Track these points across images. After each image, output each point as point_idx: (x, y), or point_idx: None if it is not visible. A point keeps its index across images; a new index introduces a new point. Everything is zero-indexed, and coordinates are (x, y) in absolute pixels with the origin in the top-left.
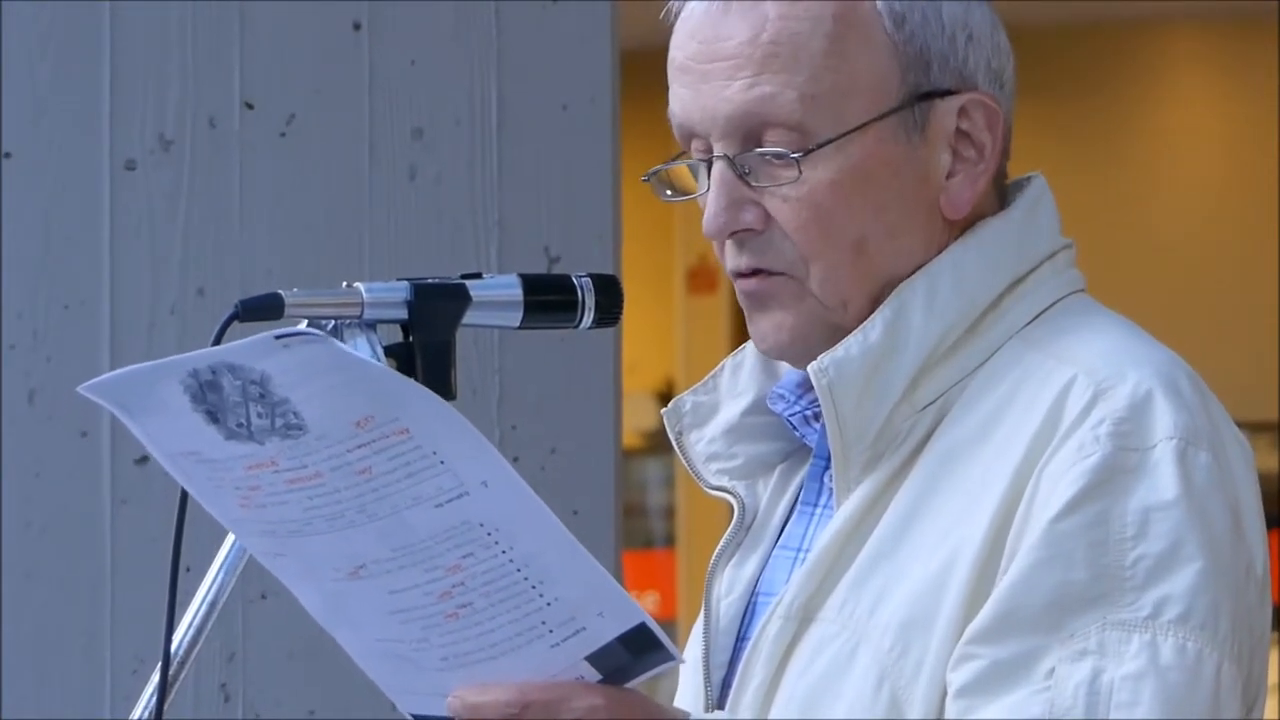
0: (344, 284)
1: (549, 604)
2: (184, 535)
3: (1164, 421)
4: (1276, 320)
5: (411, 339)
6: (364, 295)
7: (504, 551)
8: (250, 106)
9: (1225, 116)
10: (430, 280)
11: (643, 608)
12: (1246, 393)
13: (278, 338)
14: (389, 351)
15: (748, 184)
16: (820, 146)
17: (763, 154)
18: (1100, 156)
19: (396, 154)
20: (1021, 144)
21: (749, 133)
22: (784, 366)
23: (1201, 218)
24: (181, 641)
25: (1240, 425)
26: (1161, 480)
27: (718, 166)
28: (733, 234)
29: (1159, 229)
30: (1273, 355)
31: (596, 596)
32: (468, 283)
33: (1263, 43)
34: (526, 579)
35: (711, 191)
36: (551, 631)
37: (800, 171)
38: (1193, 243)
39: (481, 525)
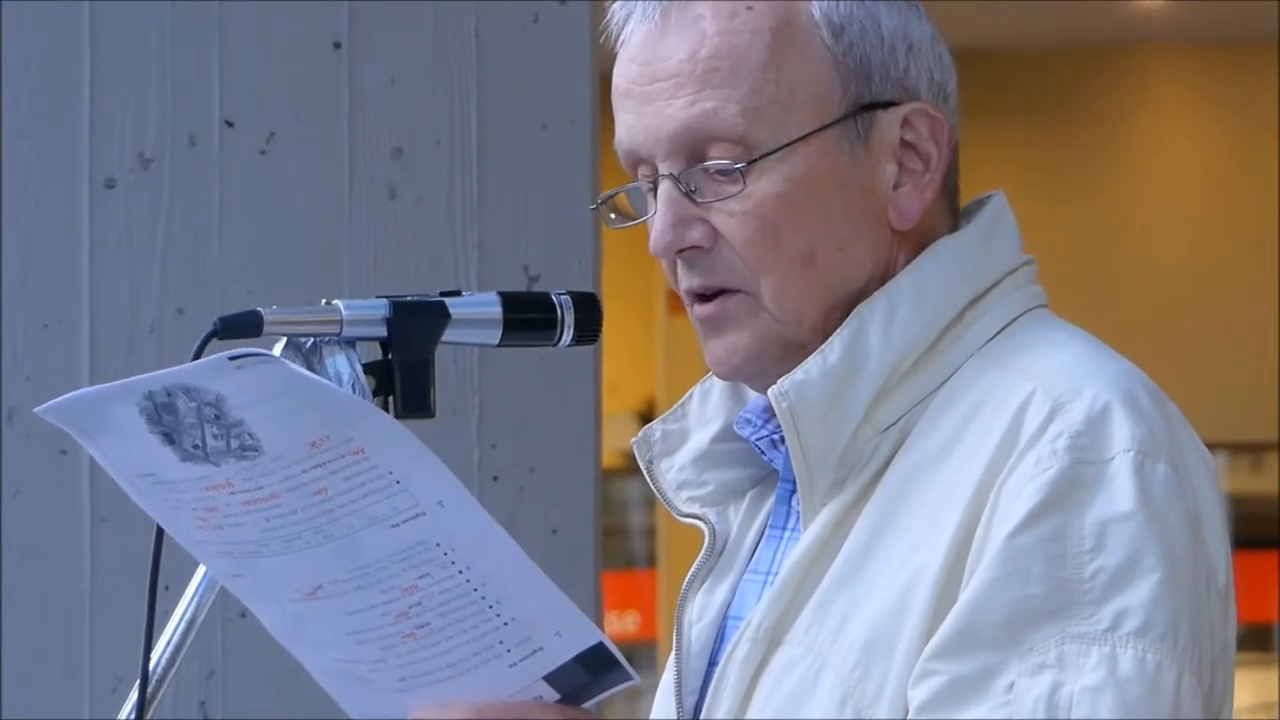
0: (323, 301)
1: (506, 624)
2: (163, 554)
3: (1121, 434)
4: (1275, 341)
5: (390, 357)
6: (343, 313)
7: (460, 571)
8: (230, 125)
9: (1208, 138)
10: (409, 298)
11: (603, 629)
12: (1240, 414)
13: (231, 359)
14: (368, 369)
15: (694, 201)
16: (764, 157)
17: (706, 169)
18: (1084, 179)
19: (376, 173)
20: (1004, 167)
21: (693, 150)
22: (751, 392)
23: (1181, 239)
24: (160, 659)
25: (1216, 445)
26: (1119, 492)
27: (664, 185)
28: (680, 252)
29: (1138, 251)
30: (1271, 376)
31: (553, 616)
32: (447, 300)
33: (1244, 65)
34: (484, 599)
35: (658, 210)
36: (509, 651)
37: (745, 184)
38: (1172, 265)
39: (438, 545)
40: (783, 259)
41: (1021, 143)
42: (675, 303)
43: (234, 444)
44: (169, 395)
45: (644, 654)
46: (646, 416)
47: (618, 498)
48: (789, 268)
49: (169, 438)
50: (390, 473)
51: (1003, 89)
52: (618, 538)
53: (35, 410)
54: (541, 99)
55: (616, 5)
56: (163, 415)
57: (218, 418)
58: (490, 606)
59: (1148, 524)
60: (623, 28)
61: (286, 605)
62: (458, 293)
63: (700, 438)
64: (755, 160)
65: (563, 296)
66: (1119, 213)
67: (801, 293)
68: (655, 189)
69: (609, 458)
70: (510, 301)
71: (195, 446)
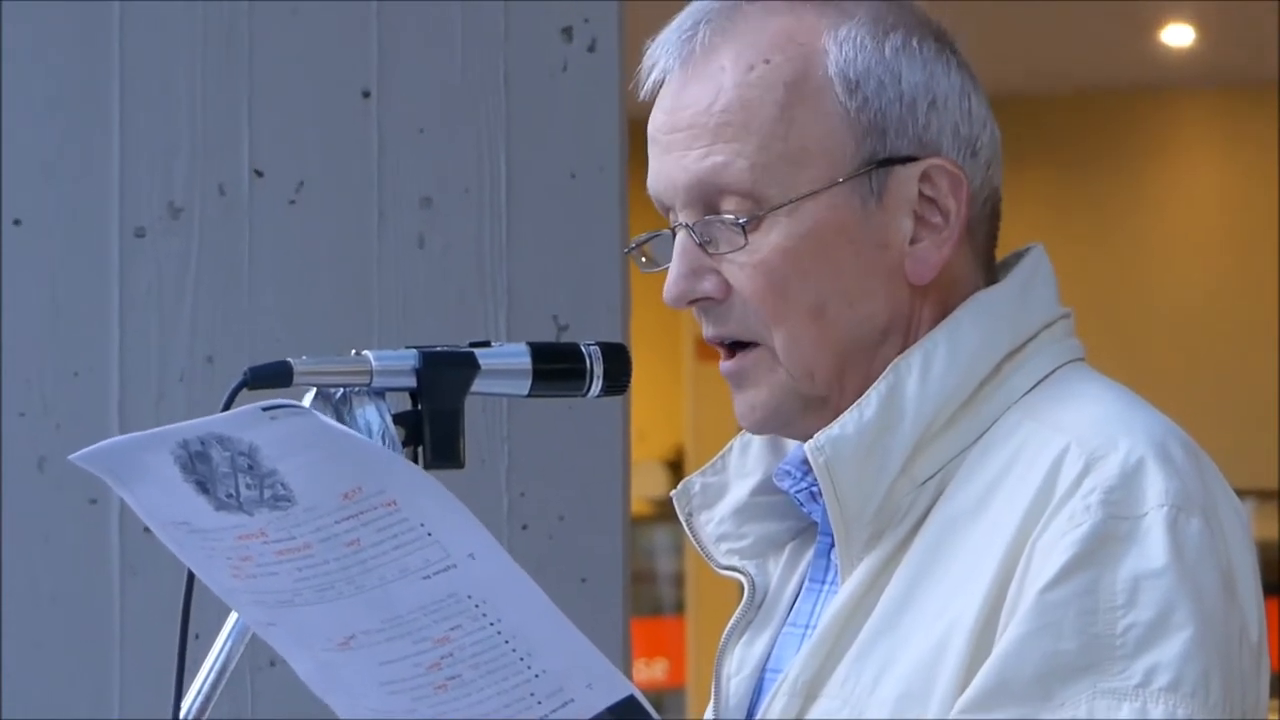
0: (353, 352)
1: (537, 675)
2: (192, 603)
3: (1155, 489)
4: (1277, 389)
5: (420, 407)
6: (373, 363)
7: (492, 624)
8: (259, 174)
9: (1227, 184)
10: (439, 348)
11: (631, 677)
12: (1247, 460)
13: (265, 409)
14: (398, 419)
15: (707, 252)
16: (769, 213)
17: (712, 220)
18: (1102, 224)
19: (405, 222)
20: (1024, 211)
21: (707, 201)
22: (790, 443)
23: (1204, 284)
24: (190, 709)
25: (1240, 493)
26: (1151, 548)
27: (679, 235)
28: (693, 302)
29: (1161, 296)
30: (1273, 423)
31: (584, 668)
32: (476, 351)
33: (1264, 111)
34: (514, 650)
35: (673, 259)
36: (540, 703)
37: (748, 239)
38: (1195, 310)
39: (469, 597)
40: (792, 312)
41: (1044, 186)
42: (703, 350)
43: (267, 494)
44: (203, 444)
45: (673, 701)
46: (674, 464)
47: (646, 545)
48: (799, 321)
49: (203, 486)
50: (422, 525)
51: (1026, 133)
52: (646, 585)
53: (70, 457)
54: (570, 147)
55: (646, 54)
56: (196, 464)
57: (251, 468)
58: (521, 659)
59: (1180, 579)
60: (649, 76)
61: (320, 654)
62: (487, 343)
63: (739, 490)
64: (762, 215)
65: (592, 347)
66: (1143, 256)
67: (812, 346)
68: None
69: (637, 505)
70: (539, 352)
71: (229, 496)
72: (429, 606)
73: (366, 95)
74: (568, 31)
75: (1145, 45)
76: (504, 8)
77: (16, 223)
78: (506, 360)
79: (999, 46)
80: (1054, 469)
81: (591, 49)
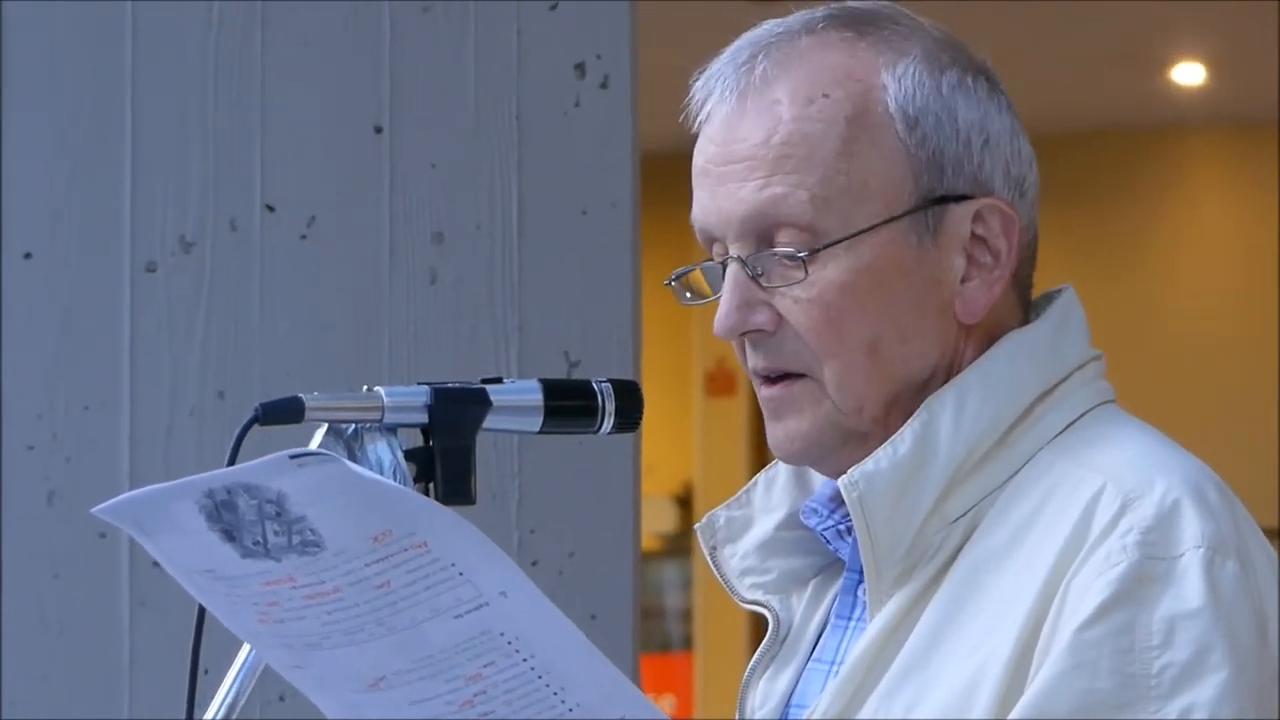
0: (364, 388)
1: (571, 709)
2: (203, 637)
3: (1191, 531)
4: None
5: (432, 443)
6: (384, 399)
7: (525, 659)
8: (271, 209)
9: (1237, 221)
10: (451, 385)
11: (664, 712)
12: (1251, 497)
13: (292, 457)
14: (409, 456)
15: (760, 285)
16: (827, 247)
17: (773, 254)
18: (1112, 261)
19: (417, 257)
20: (1040, 249)
21: (762, 234)
22: (817, 480)
23: (1214, 321)
24: None
25: (1268, 532)
26: (1188, 589)
27: (731, 268)
28: (744, 334)
29: (1170, 333)
30: (1273, 459)
31: (618, 701)
32: (488, 388)
33: (1274, 149)
34: (548, 685)
35: (724, 292)
36: None
37: (808, 272)
38: (1201, 347)
39: (502, 634)
40: (846, 347)
41: (1054, 224)
42: (713, 385)
43: (295, 540)
44: (229, 493)
45: None
46: (683, 499)
47: (654, 580)
48: (852, 356)
49: (229, 535)
50: (453, 565)
51: (1040, 172)
52: (654, 620)
53: (93, 510)
54: (582, 183)
55: (698, 84)
56: (222, 513)
57: (279, 514)
58: (555, 693)
59: (1216, 621)
60: (703, 107)
61: (348, 695)
62: (499, 379)
63: (764, 525)
64: (820, 249)
65: (604, 384)
66: (1155, 294)
67: (865, 382)
68: (725, 267)
69: (646, 540)
70: (551, 389)
71: (256, 543)
72: (461, 645)
73: (378, 130)
74: (580, 67)
75: (1156, 84)
76: (516, 43)
77: (27, 256)
78: (518, 397)
79: (1010, 85)
80: (1090, 508)
81: (604, 85)
